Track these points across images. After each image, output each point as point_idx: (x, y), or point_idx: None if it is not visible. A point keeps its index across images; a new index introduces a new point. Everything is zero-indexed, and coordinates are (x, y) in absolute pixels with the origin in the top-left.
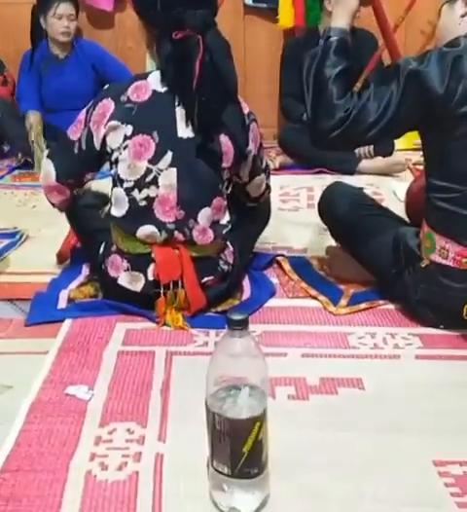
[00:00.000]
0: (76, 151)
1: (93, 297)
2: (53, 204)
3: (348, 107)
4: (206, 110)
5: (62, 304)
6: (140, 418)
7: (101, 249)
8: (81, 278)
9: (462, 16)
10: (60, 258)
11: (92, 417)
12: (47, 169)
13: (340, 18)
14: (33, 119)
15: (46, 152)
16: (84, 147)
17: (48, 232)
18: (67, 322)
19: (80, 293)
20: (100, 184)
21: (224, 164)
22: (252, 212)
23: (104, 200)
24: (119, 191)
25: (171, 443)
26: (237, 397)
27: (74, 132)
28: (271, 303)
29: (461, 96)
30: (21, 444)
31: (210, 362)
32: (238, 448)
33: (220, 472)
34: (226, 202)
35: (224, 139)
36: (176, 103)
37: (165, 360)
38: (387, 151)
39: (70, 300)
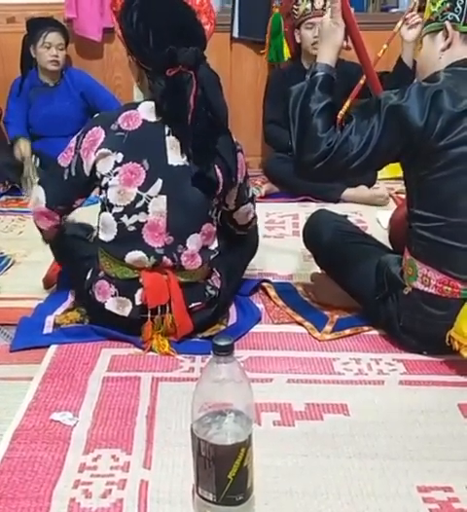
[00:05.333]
0: (65, 177)
1: (79, 323)
2: (41, 230)
3: (331, 140)
4: (201, 141)
5: (48, 329)
6: (125, 444)
7: (88, 276)
8: (67, 304)
9: (442, 50)
10: (47, 283)
11: (77, 443)
12: (37, 195)
13: (325, 54)
14: (24, 148)
15: (37, 179)
16: (73, 173)
17: (34, 257)
18: (52, 348)
19: (66, 319)
20: (86, 211)
21: (215, 191)
22: (240, 241)
23: (87, 230)
24: (107, 216)
25: (156, 470)
26: (223, 423)
27: (64, 159)
28: (257, 328)
29: (440, 130)
30: (4, 471)
31: (196, 388)
32: (223, 474)
33: (205, 499)
34: (215, 229)
35: (215, 167)
36: (166, 132)
37: (151, 386)
38: (370, 180)
39: (56, 325)
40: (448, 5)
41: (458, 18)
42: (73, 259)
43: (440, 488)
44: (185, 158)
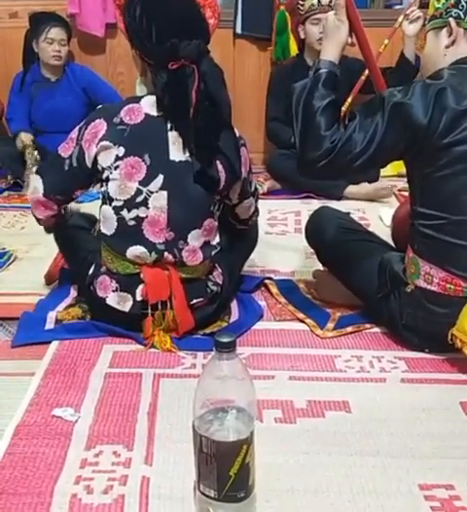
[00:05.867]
0: (66, 168)
1: (81, 319)
2: (38, 220)
3: (335, 138)
4: (203, 136)
5: (50, 325)
6: (127, 440)
7: (91, 270)
8: (69, 300)
9: (447, 46)
10: (48, 279)
11: (78, 439)
12: (35, 184)
13: (329, 51)
14: (25, 138)
15: (35, 168)
16: (75, 164)
17: (36, 253)
18: (54, 344)
19: (68, 314)
20: (89, 207)
21: (216, 188)
22: (241, 235)
23: (93, 221)
24: (107, 209)
25: (158, 466)
26: (224, 420)
27: (65, 150)
28: (259, 325)
29: (444, 128)
30: (6, 466)
31: (197, 385)
32: (225, 471)
33: (206, 496)
34: (217, 224)
35: (217, 163)
36: (168, 127)
37: (153, 382)
38: (372, 178)
39: (58, 321)
40: (452, 1)
41: (462, 15)
42: (76, 250)
43: (441, 486)
44: (187, 153)
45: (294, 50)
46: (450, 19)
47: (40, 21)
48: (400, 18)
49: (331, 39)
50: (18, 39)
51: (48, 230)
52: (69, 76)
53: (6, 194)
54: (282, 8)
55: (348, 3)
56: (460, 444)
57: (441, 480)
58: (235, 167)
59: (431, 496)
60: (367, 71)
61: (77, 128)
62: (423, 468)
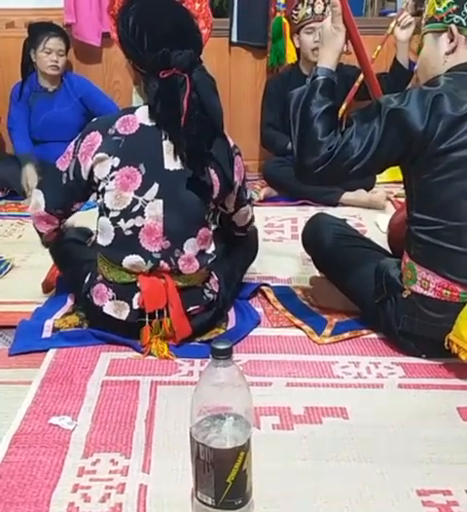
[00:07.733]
0: (64, 181)
1: (78, 326)
2: (41, 234)
3: (332, 145)
4: (195, 145)
5: (47, 333)
6: (124, 448)
7: (87, 279)
8: (66, 308)
9: (447, 53)
10: (46, 287)
11: (76, 447)
12: (36, 200)
13: (326, 58)
14: (31, 176)
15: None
16: (71, 178)
17: (33, 261)
18: (51, 352)
19: (65, 322)
20: (85, 215)
21: (210, 195)
22: (239, 243)
23: (87, 234)
24: (104, 220)
25: (155, 474)
26: (222, 427)
27: (62, 164)
28: (256, 332)
29: (440, 134)
30: (3, 475)
31: (194, 392)
32: (222, 478)
33: (204, 503)
34: (211, 233)
35: (210, 172)
36: (163, 137)
37: (150, 390)
38: (369, 184)
39: (55, 329)
40: (454, 7)
41: (464, 22)
42: (72, 263)
43: (439, 491)
44: (181, 162)
45: (293, 56)
46: (452, 26)
47: (38, 31)
48: (392, 25)
49: (328, 46)
50: (15, 49)
51: (46, 244)
52: (66, 86)
53: (3, 202)
54: (279, 14)
55: (345, 10)
56: (458, 449)
57: (438, 485)
58: (229, 176)
59: (429, 502)
60: (361, 77)
61: (73, 142)
62: (421, 474)
